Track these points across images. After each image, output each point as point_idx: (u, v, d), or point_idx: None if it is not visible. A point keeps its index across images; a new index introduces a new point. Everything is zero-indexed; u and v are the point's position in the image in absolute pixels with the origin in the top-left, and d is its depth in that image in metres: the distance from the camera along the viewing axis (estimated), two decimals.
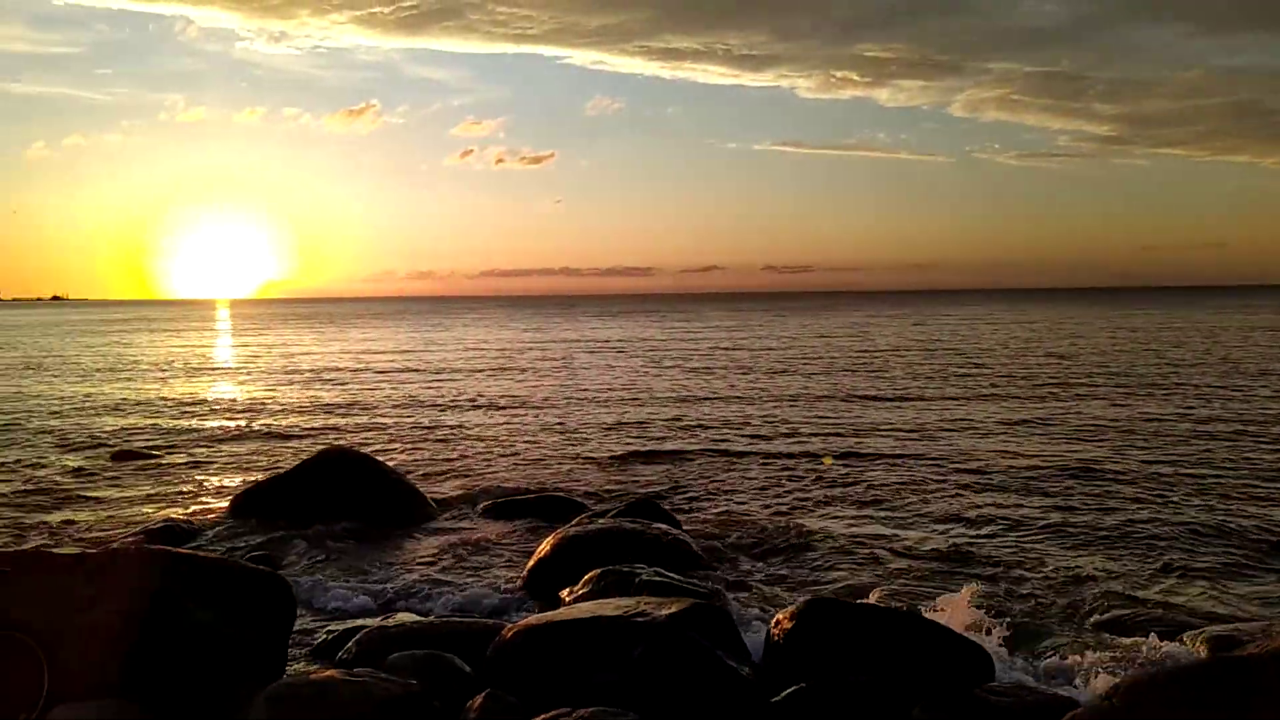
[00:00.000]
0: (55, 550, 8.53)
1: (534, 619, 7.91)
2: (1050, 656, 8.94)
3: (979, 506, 15.38)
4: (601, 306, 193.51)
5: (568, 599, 9.83)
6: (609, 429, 24.31)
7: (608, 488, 17.10)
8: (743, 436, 22.75)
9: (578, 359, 49.58)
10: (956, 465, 18.75)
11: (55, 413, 28.73)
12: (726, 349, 56.12)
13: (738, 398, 30.77)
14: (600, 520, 12.35)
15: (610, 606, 7.89)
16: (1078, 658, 8.77)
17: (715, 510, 15.25)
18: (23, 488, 17.58)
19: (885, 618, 8.28)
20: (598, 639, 7.34)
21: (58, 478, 18.54)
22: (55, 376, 41.71)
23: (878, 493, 16.44)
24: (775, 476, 17.93)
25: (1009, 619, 9.90)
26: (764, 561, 12.31)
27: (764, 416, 26.10)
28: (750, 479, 17.74)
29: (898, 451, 20.37)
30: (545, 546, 11.62)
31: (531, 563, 11.58)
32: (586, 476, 18.25)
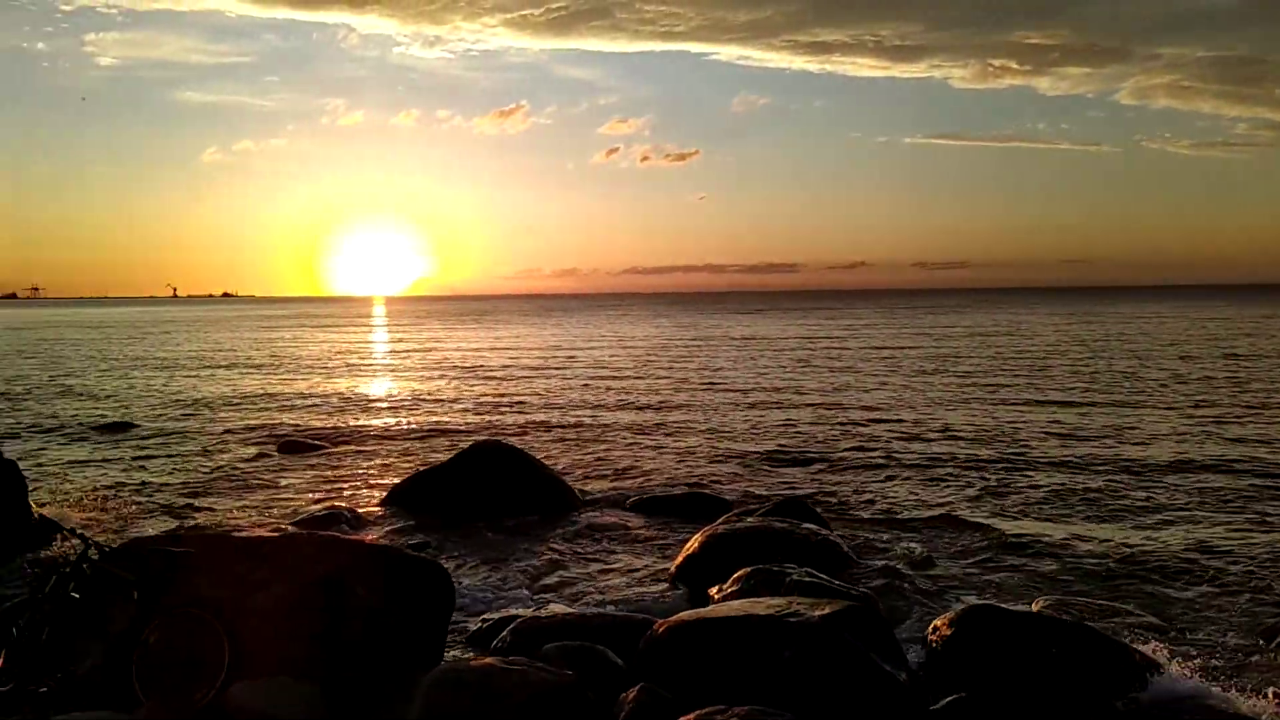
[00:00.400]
0: (233, 533, 9.00)
1: (685, 615, 7.90)
2: (1228, 672, 8.39)
3: (1150, 513, 14.59)
4: (745, 303, 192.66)
5: (717, 596, 9.80)
6: (755, 427, 24.16)
7: (754, 487, 16.98)
8: (895, 436, 22.23)
9: (722, 356, 49.46)
10: (1126, 470, 17.84)
11: (228, 404, 30.44)
12: (875, 347, 55.00)
13: (889, 397, 30.10)
14: (749, 519, 12.27)
15: (761, 606, 7.80)
16: (1258, 675, 8.21)
17: (867, 512, 14.94)
18: (200, 475, 18.70)
19: (1050, 627, 7.93)
20: (750, 638, 7.28)
21: (231, 466, 19.64)
22: (228, 370, 44.25)
23: (1040, 497, 15.80)
24: (930, 478, 17.44)
25: (1183, 631, 9.36)
26: (919, 565, 11.97)
27: (916, 416, 25.45)
28: (903, 480, 17.31)
29: (1061, 455, 19.52)
30: (694, 543, 11.62)
31: (680, 559, 11.60)
32: (733, 475, 18.17)
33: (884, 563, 12.01)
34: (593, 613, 9.65)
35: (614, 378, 38.03)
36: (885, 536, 13.34)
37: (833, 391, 31.91)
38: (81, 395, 33.39)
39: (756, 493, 16.39)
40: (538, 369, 43.06)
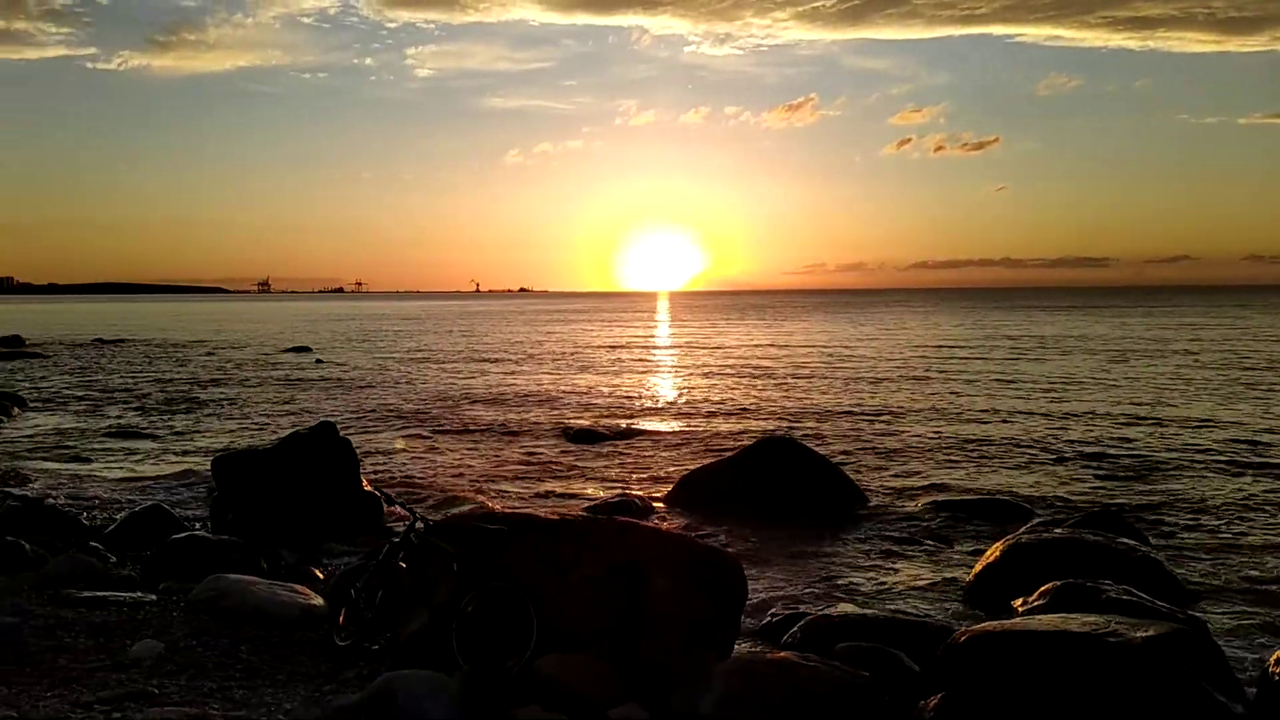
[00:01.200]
0: (540, 516, 9.49)
1: (990, 625, 7.51)
2: None
3: None
4: (1047, 299, 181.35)
5: (1021, 609, 9.26)
6: (1061, 431, 22.67)
7: (1061, 496, 15.93)
8: (1227, 448, 20.02)
9: (1023, 355, 46.72)
10: None
11: (526, 394, 32.29)
12: (1202, 349, 49.97)
13: (1219, 404, 27.25)
14: (1057, 529, 11.52)
15: (1075, 622, 7.27)
16: None
17: (1192, 528, 13.57)
18: (502, 459, 19.95)
19: None
20: (1063, 655, 6.80)
21: (529, 452, 20.79)
22: (525, 361, 47.01)
23: None
24: (1270, 497, 15.62)
25: None
26: (1256, 590, 10.74)
27: (1256, 427, 22.84)
28: (1236, 497, 15.56)
29: None
30: (994, 551, 11.05)
31: (979, 567, 11.07)
32: (1036, 481, 17.12)
33: (1215, 585, 10.90)
34: (885, 615, 9.39)
35: (903, 375, 36.94)
36: (1215, 557, 12.07)
37: (1152, 396, 29.35)
38: (399, 383, 36.58)
39: (1063, 502, 15.38)
40: (823, 365, 42.57)
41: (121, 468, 18.69)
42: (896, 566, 12.07)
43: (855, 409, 27.22)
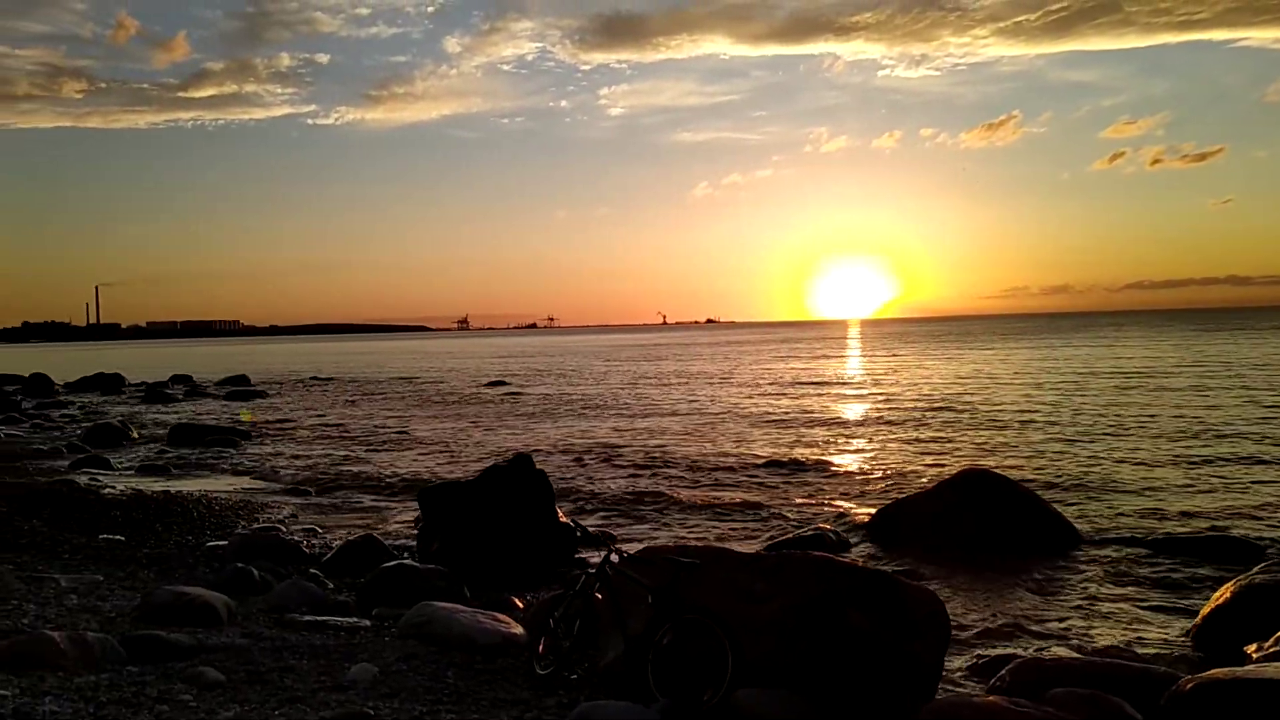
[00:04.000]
0: (734, 548, 9.46)
1: (1220, 673, 6.95)
2: None
3: None
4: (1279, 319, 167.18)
5: (1255, 655, 8.53)
6: None
7: None
8: None
9: (1257, 378, 43.15)
10: None
11: (716, 423, 32.28)
12: None
13: None
14: None
15: None
16: None
17: None
18: (694, 489, 19.97)
19: None
20: None
21: (720, 482, 20.74)
22: (716, 391, 47.05)
23: None
24: None
25: None
26: None
27: None
28: None
29: None
30: (1224, 593, 10.22)
31: (1206, 610, 10.26)
32: (1267, 518, 15.75)
33: None
34: (1102, 660, 8.83)
35: (1115, 404, 34.82)
36: None
37: None
38: (590, 414, 37.36)
39: None
40: (1025, 393, 40.65)
41: (336, 498, 19.85)
42: (1114, 609, 11.35)
43: (1063, 440, 25.85)
